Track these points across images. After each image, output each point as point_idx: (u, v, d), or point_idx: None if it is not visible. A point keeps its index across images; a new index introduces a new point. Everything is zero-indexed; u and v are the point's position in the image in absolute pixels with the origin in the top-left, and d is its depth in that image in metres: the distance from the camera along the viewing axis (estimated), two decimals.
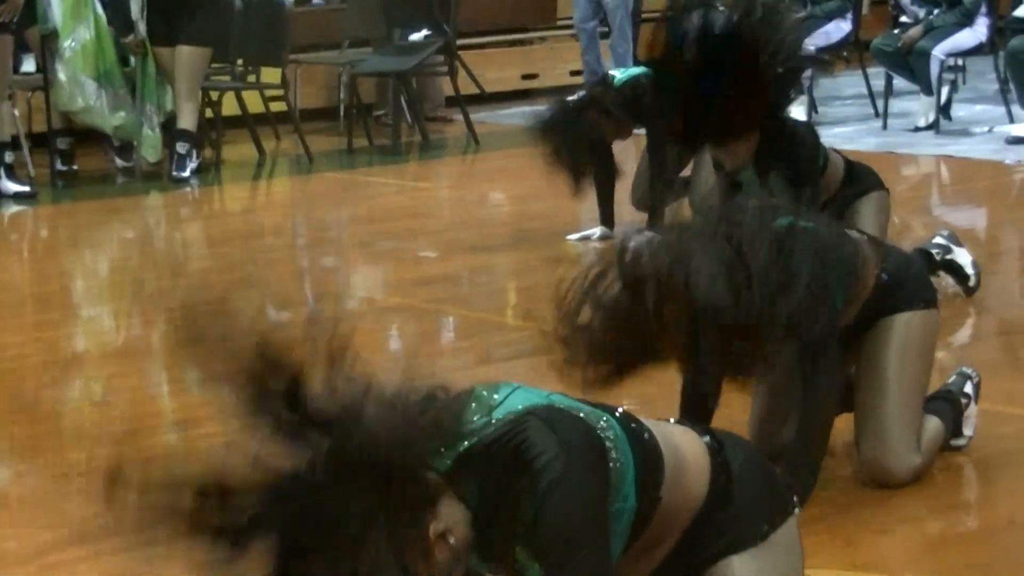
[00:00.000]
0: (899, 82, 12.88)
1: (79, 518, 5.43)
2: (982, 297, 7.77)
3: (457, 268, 9.30)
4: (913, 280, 4.91)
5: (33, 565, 5.28)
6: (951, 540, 5.16)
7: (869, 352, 4.90)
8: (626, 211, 9.56)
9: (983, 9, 12.42)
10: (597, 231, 9.59)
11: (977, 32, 12.33)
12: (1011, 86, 12.15)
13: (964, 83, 13.94)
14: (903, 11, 13.03)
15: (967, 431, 5.58)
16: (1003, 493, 5.48)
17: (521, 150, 11.19)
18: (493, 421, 3.06)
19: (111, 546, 5.02)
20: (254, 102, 13.03)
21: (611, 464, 3.05)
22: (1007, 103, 12.29)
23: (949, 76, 12.91)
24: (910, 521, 5.01)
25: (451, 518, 2.95)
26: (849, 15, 13.25)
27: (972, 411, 5.61)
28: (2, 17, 11.40)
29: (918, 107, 12.59)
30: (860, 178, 6.62)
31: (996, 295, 8.18)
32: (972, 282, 7.82)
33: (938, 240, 7.79)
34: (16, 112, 11.80)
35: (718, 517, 3.56)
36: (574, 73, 14.04)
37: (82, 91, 11.63)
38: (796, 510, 3.66)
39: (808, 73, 8.36)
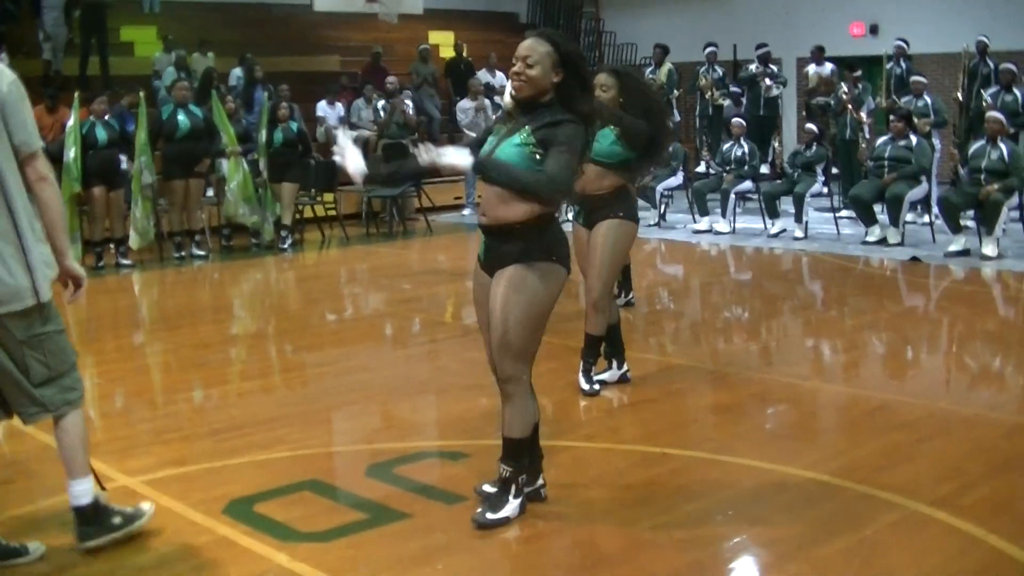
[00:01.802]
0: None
1: None
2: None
3: (420, 294, 11.67)
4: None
5: None
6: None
7: None
8: None
9: (681, 169, 15.91)
10: None
11: (679, 177, 16.01)
12: (695, 205, 15.41)
13: (672, 203, 16.68)
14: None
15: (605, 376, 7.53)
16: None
17: (453, 235, 15.28)
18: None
19: None
20: (320, 211, 16.25)
21: None
22: (693, 213, 15.56)
23: (667, 199, 16.22)
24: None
25: None
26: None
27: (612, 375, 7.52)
28: (202, 167, 14.36)
29: (650, 215, 15.79)
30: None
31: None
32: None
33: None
34: (203, 215, 14.82)
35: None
36: None
37: (237, 207, 14.61)
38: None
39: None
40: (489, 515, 5.08)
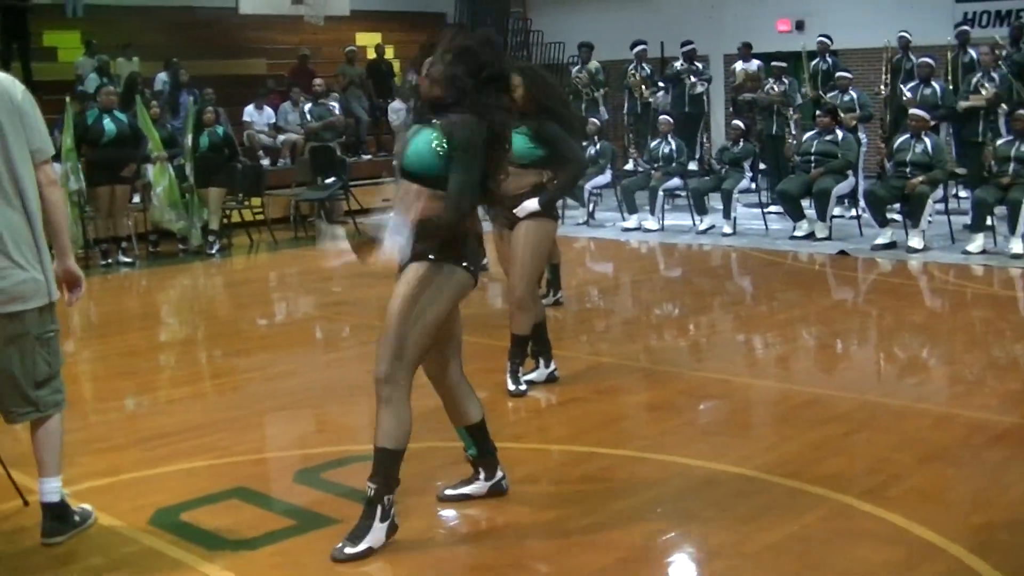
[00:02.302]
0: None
1: None
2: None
3: (350, 297, 11.54)
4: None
5: None
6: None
7: None
8: None
9: (609, 167, 16.12)
10: None
11: (608, 175, 16.14)
12: (624, 203, 15.59)
13: (601, 201, 16.91)
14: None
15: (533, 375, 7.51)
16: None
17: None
18: None
19: None
20: (248, 215, 16.18)
21: None
22: (622, 211, 15.70)
23: (596, 197, 16.38)
24: None
25: None
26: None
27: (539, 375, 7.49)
28: (128, 173, 14.16)
29: (579, 213, 16.06)
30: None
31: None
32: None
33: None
34: (129, 222, 14.50)
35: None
36: None
37: (164, 212, 14.56)
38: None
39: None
40: (348, 550, 4.81)
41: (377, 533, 4.83)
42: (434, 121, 4.82)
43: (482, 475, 5.40)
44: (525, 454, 6.04)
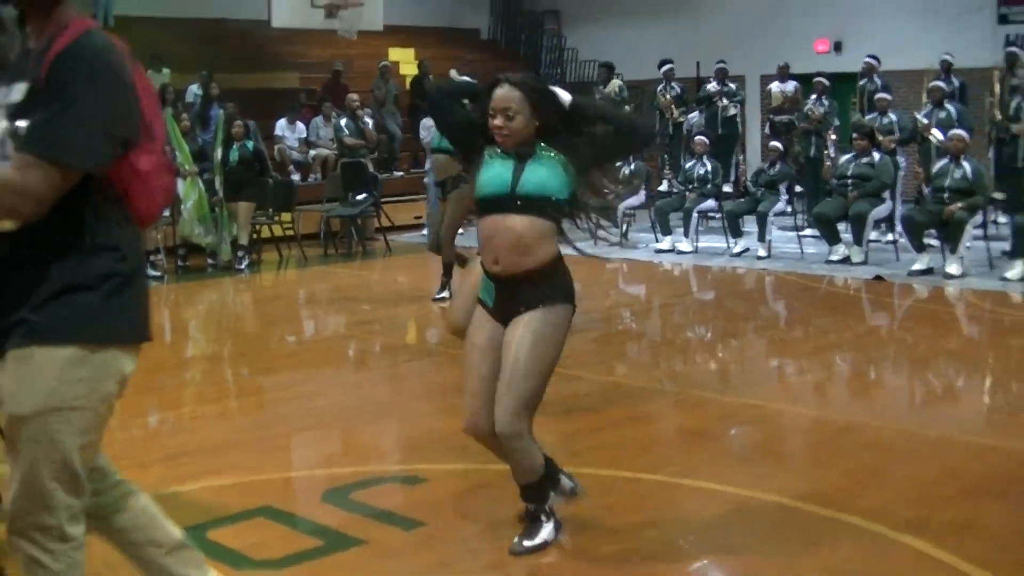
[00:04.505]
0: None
1: None
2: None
3: (380, 315, 11.49)
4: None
5: None
6: None
7: None
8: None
9: (643, 187, 15.99)
10: (444, 293, 11.04)
11: (641, 196, 16.07)
12: (658, 224, 15.40)
13: (635, 221, 16.61)
14: (605, 187, 17.32)
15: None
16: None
17: (413, 256, 15.08)
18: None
19: None
20: (278, 230, 16.06)
21: None
22: (656, 232, 15.55)
23: (629, 217, 16.23)
24: None
25: None
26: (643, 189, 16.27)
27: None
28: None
29: (612, 234, 14.57)
30: None
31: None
32: None
33: None
34: (157, 235, 14.19)
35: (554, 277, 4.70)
36: None
37: (192, 226, 14.39)
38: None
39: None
40: (526, 543, 5.02)
41: (549, 529, 5.07)
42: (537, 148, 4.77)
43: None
44: None
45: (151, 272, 13.78)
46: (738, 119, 18.82)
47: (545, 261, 4.74)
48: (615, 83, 19.25)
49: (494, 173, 4.77)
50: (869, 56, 17.05)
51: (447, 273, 11.19)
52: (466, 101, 5.15)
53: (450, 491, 5.77)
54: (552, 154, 4.74)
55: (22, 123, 3.09)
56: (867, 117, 15.44)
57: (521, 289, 4.75)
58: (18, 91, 3.16)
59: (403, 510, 5.64)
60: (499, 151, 4.81)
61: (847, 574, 4.84)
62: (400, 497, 5.98)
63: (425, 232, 15.34)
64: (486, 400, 4.82)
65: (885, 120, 15.25)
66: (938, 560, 4.94)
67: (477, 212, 4.86)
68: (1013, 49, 16.31)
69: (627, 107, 18.89)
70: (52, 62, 3.09)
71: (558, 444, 6.64)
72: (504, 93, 4.74)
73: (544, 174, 4.70)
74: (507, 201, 4.69)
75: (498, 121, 4.73)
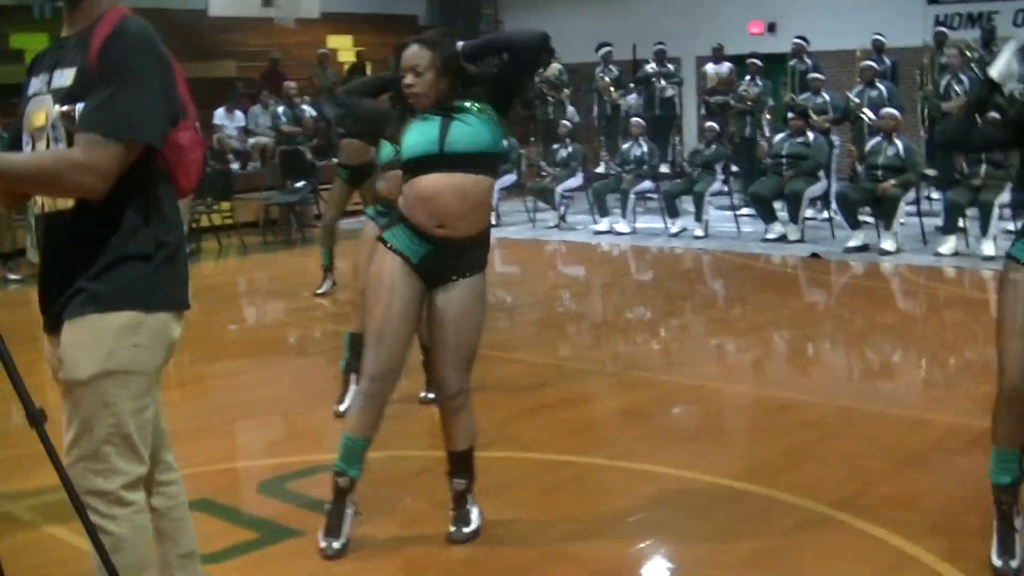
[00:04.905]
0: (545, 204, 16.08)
1: None
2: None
3: (320, 302, 11.26)
4: None
5: None
6: None
7: None
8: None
9: (580, 170, 16.06)
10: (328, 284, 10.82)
11: (579, 178, 16.01)
12: (595, 206, 15.39)
13: (573, 204, 16.67)
14: (543, 170, 16.31)
15: None
16: None
17: (353, 241, 15.45)
18: None
19: None
20: (217, 219, 16.01)
21: None
22: (593, 214, 15.50)
23: (567, 200, 16.16)
24: None
25: None
26: (515, 171, 16.55)
27: None
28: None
29: (550, 216, 16.13)
30: None
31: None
32: None
33: None
34: None
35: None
36: None
37: None
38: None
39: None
40: (465, 530, 5.01)
41: (477, 512, 5.06)
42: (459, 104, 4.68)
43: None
44: (493, 463, 5.85)
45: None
46: (676, 100, 18.81)
47: (486, 226, 4.76)
48: (555, 66, 19.20)
49: (420, 131, 4.67)
50: (797, 37, 17.10)
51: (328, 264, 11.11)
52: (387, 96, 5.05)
53: (387, 478, 5.69)
54: (478, 106, 4.66)
55: (77, 106, 3.17)
56: (800, 97, 15.47)
57: (459, 256, 4.72)
58: (65, 76, 3.25)
59: None
60: (423, 116, 4.70)
61: (781, 553, 4.82)
62: None
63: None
64: (400, 352, 4.78)
65: (818, 100, 15.33)
66: (871, 535, 4.94)
67: (407, 174, 4.73)
68: (942, 29, 16.45)
69: (567, 90, 18.96)
70: (103, 45, 3.18)
71: (494, 429, 6.64)
72: (411, 52, 4.68)
73: (470, 130, 4.63)
74: (438, 160, 4.61)
75: (408, 79, 4.66)
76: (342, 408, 6.90)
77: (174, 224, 3.42)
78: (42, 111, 3.31)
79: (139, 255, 3.30)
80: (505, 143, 13.19)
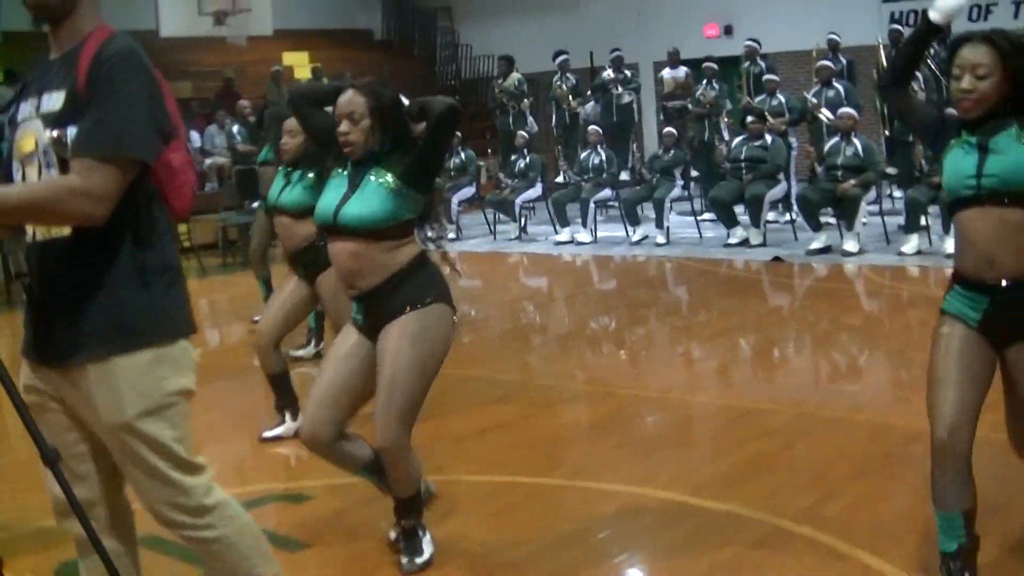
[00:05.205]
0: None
1: None
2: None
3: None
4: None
5: None
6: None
7: None
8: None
9: (539, 180, 15.93)
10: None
11: (538, 189, 15.89)
12: (555, 216, 15.28)
13: (533, 214, 16.90)
14: (502, 182, 16.20)
15: None
16: None
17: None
18: None
19: None
20: None
21: None
22: (554, 224, 15.39)
23: (527, 210, 16.23)
24: None
25: None
26: (474, 183, 16.54)
27: None
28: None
29: (511, 228, 15.99)
30: None
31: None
32: None
33: None
34: None
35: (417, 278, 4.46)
36: None
37: None
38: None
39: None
40: (418, 560, 4.83)
41: (428, 540, 4.89)
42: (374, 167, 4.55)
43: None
44: (446, 487, 5.67)
45: None
46: (634, 106, 18.72)
47: (396, 269, 4.54)
48: (515, 76, 19.10)
49: (325, 200, 4.61)
50: (749, 39, 16.99)
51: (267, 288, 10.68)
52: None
53: (335, 508, 5.53)
54: (388, 178, 4.49)
55: (68, 130, 3.12)
56: (757, 100, 15.38)
57: (382, 301, 4.56)
58: (54, 100, 3.20)
59: (288, 530, 5.37)
60: (341, 171, 4.61)
61: (739, 570, 4.68)
62: (284, 516, 5.69)
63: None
64: (330, 409, 4.63)
65: (774, 102, 15.31)
66: (834, 549, 4.80)
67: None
68: (896, 26, 16.40)
69: (526, 100, 18.84)
70: (91, 66, 3.13)
71: (448, 451, 6.51)
72: (348, 97, 4.53)
73: (363, 205, 4.48)
74: (332, 229, 4.56)
75: (343, 127, 4.51)
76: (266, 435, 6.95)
77: (172, 247, 3.38)
78: (31, 136, 3.26)
79: (142, 283, 3.27)
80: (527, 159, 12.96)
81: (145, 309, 3.27)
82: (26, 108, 3.31)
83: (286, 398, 7.03)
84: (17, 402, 3.20)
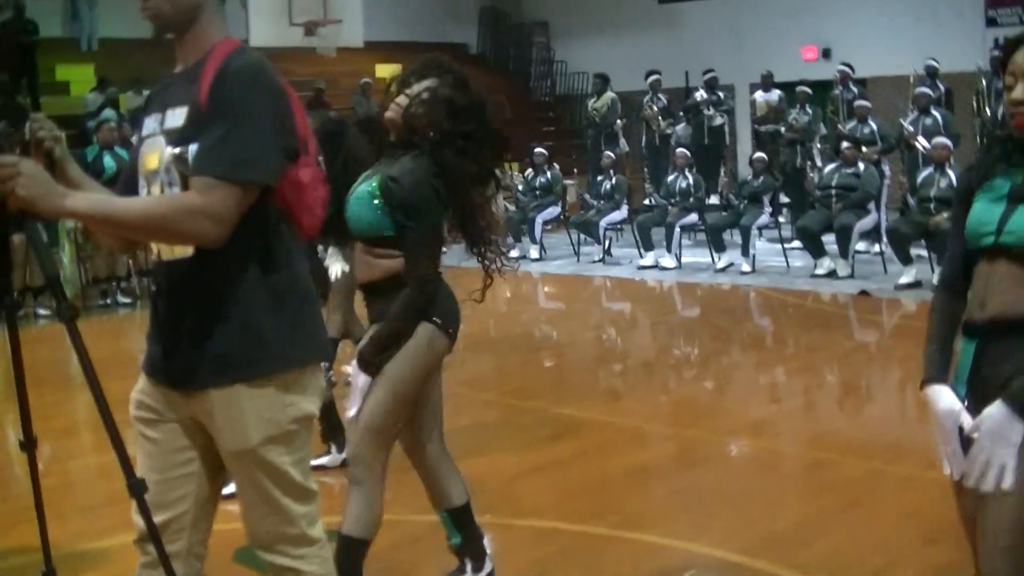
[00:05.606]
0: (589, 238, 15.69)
1: None
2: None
3: None
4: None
5: None
6: None
7: None
8: None
9: (625, 202, 15.75)
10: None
11: (623, 211, 15.73)
12: (640, 240, 14.94)
13: (619, 237, 16.62)
14: (587, 203, 15.88)
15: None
16: None
17: None
18: None
19: None
20: None
21: None
22: (639, 248, 15.04)
23: (611, 233, 15.88)
24: None
25: None
26: (559, 203, 16.53)
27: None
28: None
29: (595, 250, 15.72)
30: None
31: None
32: None
33: None
34: (129, 260, 13.71)
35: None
36: None
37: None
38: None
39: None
40: None
41: None
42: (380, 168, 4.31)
43: (469, 567, 4.71)
44: (486, 530, 5.41)
45: (121, 298, 13.64)
46: (725, 129, 18.37)
47: (378, 278, 4.25)
48: (608, 96, 18.89)
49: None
50: (843, 64, 16.64)
51: None
52: None
53: (376, 546, 5.26)
54: (375, 190, 4.22)
55: (189, 148, 3.03)
56: (848, 127, 14.96)
57: (374, 302, 4.36)
58: (177, 116, 3.12)
59: None
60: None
61: None
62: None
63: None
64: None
65: (865, 129, 14.85)
66: None
67: None
68: (998, 53, 15.81)
69: (619, 120, 18.58)
70: (213, 81, 3.04)
71: (497, 490, 6.23)
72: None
73: (354, 208, 4.32)
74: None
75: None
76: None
77: (300, 268, 3.25)
78: (155, 153, 3.17)
79: (270, 308, 3.15)
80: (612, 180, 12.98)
81: (273, 336, 3.16)
82: (151, 123, 3.24)
83: (333, 429, 6.68)
84: (113, 435, 3.14)
